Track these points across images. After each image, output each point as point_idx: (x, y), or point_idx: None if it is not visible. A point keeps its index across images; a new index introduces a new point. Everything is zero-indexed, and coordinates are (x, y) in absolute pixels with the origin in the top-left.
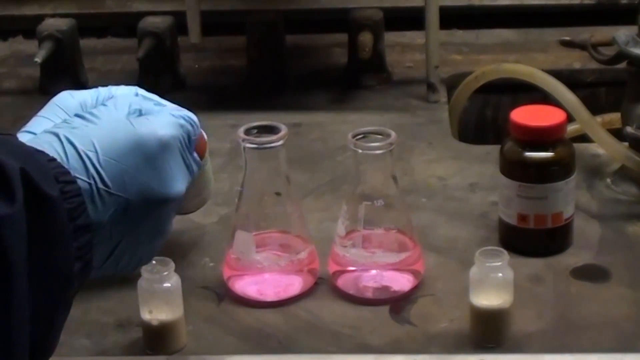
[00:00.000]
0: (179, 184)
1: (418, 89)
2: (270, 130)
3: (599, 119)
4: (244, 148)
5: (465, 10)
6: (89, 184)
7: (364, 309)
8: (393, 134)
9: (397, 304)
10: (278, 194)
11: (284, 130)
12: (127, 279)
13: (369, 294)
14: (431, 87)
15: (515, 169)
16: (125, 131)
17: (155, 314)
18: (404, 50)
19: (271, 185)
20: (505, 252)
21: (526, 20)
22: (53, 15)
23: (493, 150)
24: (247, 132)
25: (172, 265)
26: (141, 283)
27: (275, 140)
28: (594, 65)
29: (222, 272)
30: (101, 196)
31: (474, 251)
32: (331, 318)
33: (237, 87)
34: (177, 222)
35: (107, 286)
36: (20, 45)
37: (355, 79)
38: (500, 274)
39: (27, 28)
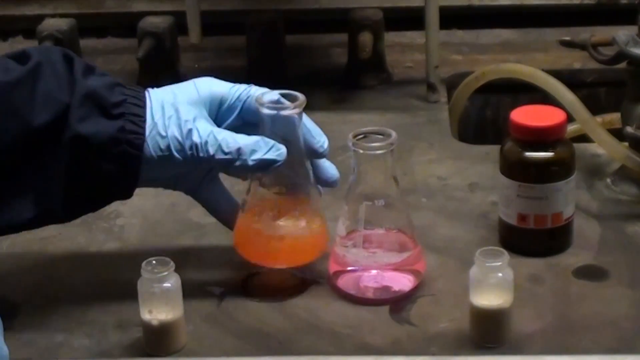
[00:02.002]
0: None
1: (418, 89)
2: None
3: (599, 119)
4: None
5: (465, 10)
6: None
7: (364, 309)
8: (393, 134)
9: (397, 304)
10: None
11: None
12: (127, 279)
13: (370, 294)
14: (431, 87)
15: (515, 169)
16: None
17: (155, 314)
18: (404, 50)
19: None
20: (505, 252)
21: (526, 20)
22: (53, 15)
23: (493, 150)
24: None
25: (172, 265)
26: (141, 283)
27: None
28: (594, 65)
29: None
30: None
31: (474, 251)
32: (331, 318)
33: None
34: (177, 222)
35: (107, 286)
36: (20, 45)
37: (355, 79)
38: (500, 274)
39: (27, 28)
